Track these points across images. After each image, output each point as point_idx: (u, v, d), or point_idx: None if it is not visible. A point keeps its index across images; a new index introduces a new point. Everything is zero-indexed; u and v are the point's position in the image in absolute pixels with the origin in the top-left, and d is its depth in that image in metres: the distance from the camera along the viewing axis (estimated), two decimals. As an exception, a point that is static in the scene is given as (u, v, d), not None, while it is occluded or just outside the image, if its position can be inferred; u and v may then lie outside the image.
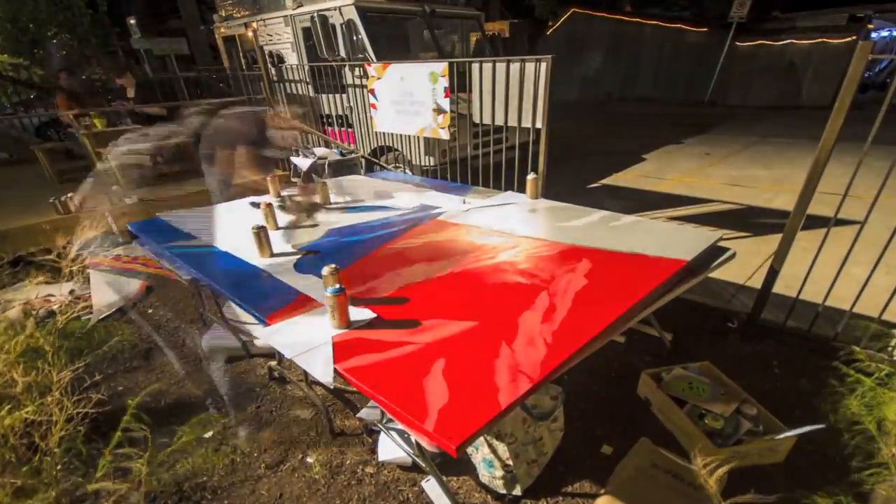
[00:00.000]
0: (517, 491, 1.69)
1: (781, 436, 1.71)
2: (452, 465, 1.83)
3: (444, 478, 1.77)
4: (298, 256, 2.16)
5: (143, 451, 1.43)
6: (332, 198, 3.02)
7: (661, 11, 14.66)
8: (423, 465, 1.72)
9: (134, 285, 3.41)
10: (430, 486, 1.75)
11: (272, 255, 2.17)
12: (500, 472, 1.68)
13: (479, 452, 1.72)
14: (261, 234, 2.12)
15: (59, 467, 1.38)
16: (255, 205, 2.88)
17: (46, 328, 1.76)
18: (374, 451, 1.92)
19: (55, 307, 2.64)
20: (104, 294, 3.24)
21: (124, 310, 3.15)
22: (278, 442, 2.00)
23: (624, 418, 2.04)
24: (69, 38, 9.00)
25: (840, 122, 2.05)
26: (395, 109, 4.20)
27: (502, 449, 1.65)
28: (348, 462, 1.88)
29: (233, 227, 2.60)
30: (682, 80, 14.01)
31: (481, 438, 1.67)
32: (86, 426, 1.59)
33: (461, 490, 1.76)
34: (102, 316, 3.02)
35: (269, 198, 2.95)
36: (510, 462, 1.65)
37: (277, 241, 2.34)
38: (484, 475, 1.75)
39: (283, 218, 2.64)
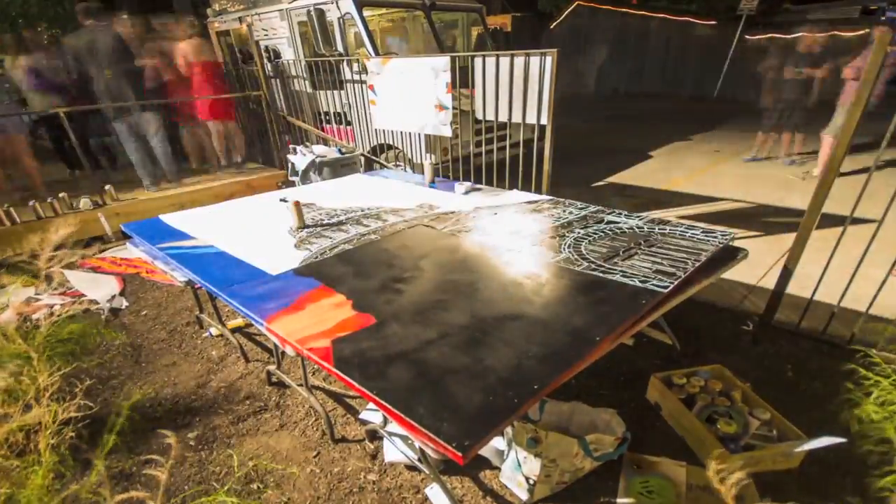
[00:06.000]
0: (527, 497, 1.64)
1: (798, 448, 1.65)
2: (457, 468, 1.78)
3: (449, 484, 1.73)
4: (299, 258, 2.11)
5: (134, 456, 1.39)
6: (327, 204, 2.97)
7: (668, 4, 14.44)
8: (427, 471, 1.67)
9: (112, 284, 3.37)
10: (435, 492, 1.70)
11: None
12: (522, 478, 1.63)
13: (513, 450, 1.66)
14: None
15: (51, 475, 1.34)
16: (284, 200, 2.89)
17: (31, 333, 1.72)
18: (375, 457, 1.88)
19: (43, 311, 2.61)
20: (93, 295, 3.21)
21: (116, 311, 3.12)
22: (277, 449, 1.96)
23: (633, 423, 1.98)
24: (60, 33, 8.91)
25: (858, 116, 1.97)
26: (395, 106, 4.12)
27: (537, 465, 1.58)
28: (350, 469, 1.84)
29: (231, 227, 2.55)
30: (690, 75, 13.81)
31: (515, 441, 1.62)
32: (78, 431, 1.55)
33: (466, 496, 1.71)
34: (90, 316, 2.98)
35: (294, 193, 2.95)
36: (534, 477, 1.59)
37: (282, 245, 2.29)
38: (506, 471, 1.70)
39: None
